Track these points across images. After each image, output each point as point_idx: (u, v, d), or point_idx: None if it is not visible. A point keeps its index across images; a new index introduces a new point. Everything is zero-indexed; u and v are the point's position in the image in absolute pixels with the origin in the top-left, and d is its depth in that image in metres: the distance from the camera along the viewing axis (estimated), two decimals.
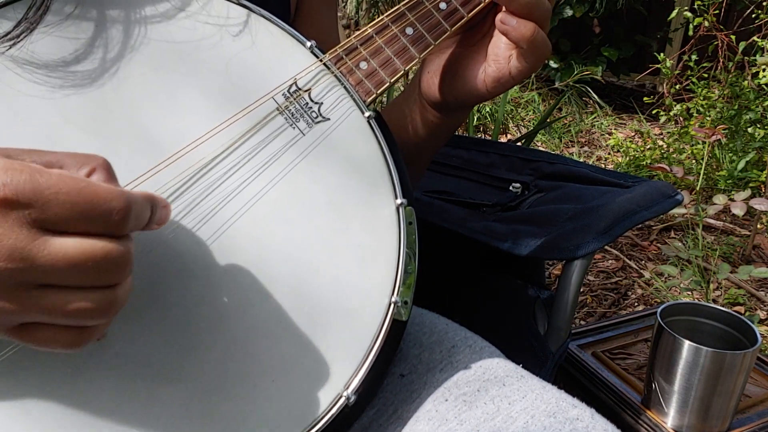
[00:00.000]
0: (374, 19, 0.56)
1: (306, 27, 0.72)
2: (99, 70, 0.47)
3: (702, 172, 1.89)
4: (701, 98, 2.67)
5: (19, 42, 0.45)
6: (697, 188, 1.98)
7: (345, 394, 0.45)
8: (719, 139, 2.33)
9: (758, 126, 2.49)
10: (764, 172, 2.26)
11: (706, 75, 2.75)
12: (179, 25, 0.50)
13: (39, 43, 0.45)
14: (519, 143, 2.01)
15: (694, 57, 2.70)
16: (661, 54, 2.84)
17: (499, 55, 0.57)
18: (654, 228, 2.18)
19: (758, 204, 1.48)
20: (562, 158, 0.99)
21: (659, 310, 0.87)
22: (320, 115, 0.51)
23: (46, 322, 0.35)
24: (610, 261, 2.00)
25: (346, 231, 0.49)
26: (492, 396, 0.52)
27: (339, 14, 3.73)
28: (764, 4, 2.60)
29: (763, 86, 2.48)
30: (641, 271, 1.93)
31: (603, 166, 2.83)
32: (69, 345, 0.36)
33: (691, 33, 2.71)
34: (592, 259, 0.88)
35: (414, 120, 0.67)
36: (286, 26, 0.52)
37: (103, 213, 0.34)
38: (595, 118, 3.44)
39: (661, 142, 2.75)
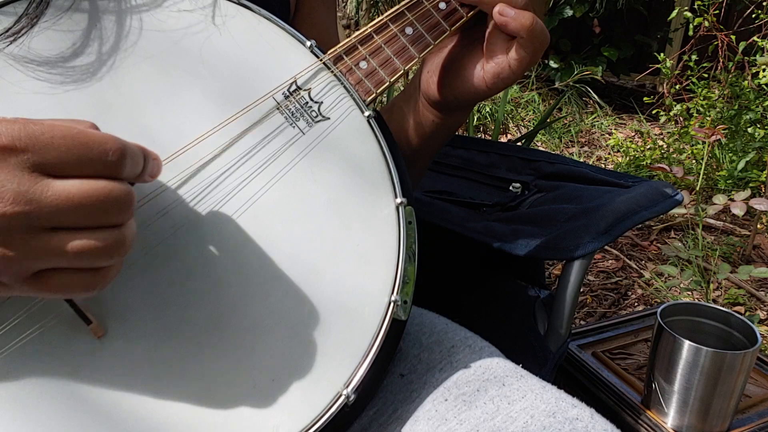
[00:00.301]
0: (374, 19, 0.56)
1: (306, 27, 0.72)
2: (97, 63, 0.47)
3: (702, 172, 1.89)
4: (701, 98, 2.67)
5: (20, 38, 0.45)
6: (697, 188, 1.97)
7: (345, 392, 0.45)
8: (719, 139, 2.34)
9: (758, 126, 2.49)
10: (764, 172, 2.26)
11: (706, 75, 2.75)
12: (171, 15, 0.50)
13: (36, 39, 0.46)
14: (519, 143, 2.01)
15: (694, 57, 2.70)
16: (661, 54, 2.84)
17: (497, 50, 0.57)
18: (654, 228, 2.18)
19: (758, 204, 1.48)
20: (562, 158, 0.99)
21: (659, 310, 0.87)
22: (320, 114, 0.51)
23: (59, 267, 0.36)
24: (610, 261, 2.00)
25: (345, 230, 0.49)
26: (492, 396, 0.52)
27: (339, 14, 3.73)
28: (764, 4, 2.60)
29: (763, 86, 2.48)
30: (641, 271, 1.93)
31: (603, 166, 2.84)
32: (85, 288, 0.37)
33: (691, 33, 2.71)
34: (592, 259, 0.88)
35: (414, 120, 0.67)
36: (286, 26, 0.52)
37: (99, 154, 0.35)
38: (595, 118, 3.44)
39: (661, 142, 2.75)
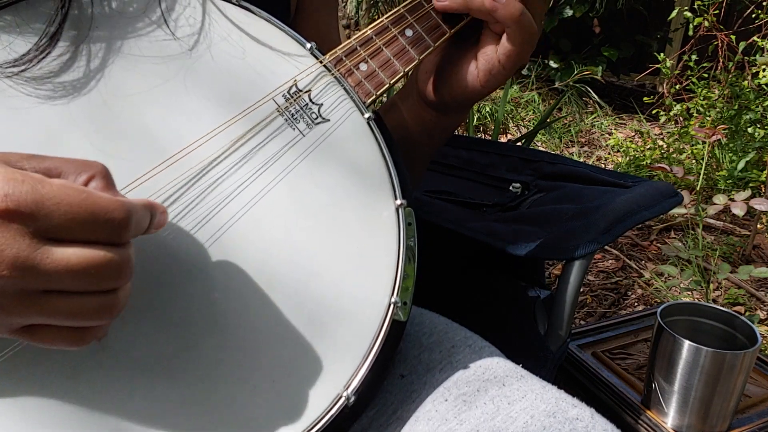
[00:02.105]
0: (374, 20, 0.56)
1: (306, 28, 0.72)
2: (85, 78, 0.47)
3: (702, 172, 1.89)
4: (701, 98, 2.67)
5: (30, 68, 0.45)
6: (697, 188, 1.97)
7: (345, 394, 0.45)
8: (719, 139, 2.33)
9: (758, 126, 2.49)
10: (764, 172, 2.26)
11: (706, 75, 2.75)
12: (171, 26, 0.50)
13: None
14: (519, 143, 2.01)
15: (694, 57, 2.70)
16: (661, 54, 2.84)
17: (487, 47, 0.58)
18: (654, 228, 2.18)
19: (758, 204, 1.48)
20: (562, 158, 0.99)
21: (659, 310, 0.87)
22: (320, 116, 0.51)
23: (49, 324, 0.36)
24: (610, 261, 2.00)
25: (345, 232, 0.49)
26: (492, 396, 0.52)
27: (339, 14, 3.73)
28: (764, 4, 2.60)
29: (763, 86, 2.48)
30: (641, 271, 1.93)
31: (603, 166, 2.83)
32: (72, 343, 0.37)
33: (691, 33, 2.71)
34: (592, 259, 0.88)
35: (411, 119, 0.67)
36: (286, 27, 0.52)
37: (104, 223, 0.35)
38: (595, 118, 3.44)
39: (661, 142, 2.75)
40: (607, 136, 3.23)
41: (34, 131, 0.44)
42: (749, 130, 2.50)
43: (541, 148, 2.95)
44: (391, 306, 0.48)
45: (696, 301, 1.60)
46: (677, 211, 1.60)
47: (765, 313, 1.71)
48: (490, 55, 0.58)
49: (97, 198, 0.35)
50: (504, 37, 0.57)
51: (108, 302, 0.36)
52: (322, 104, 0.52)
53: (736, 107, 2.55)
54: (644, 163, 2.61)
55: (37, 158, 0.37)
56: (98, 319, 0.36)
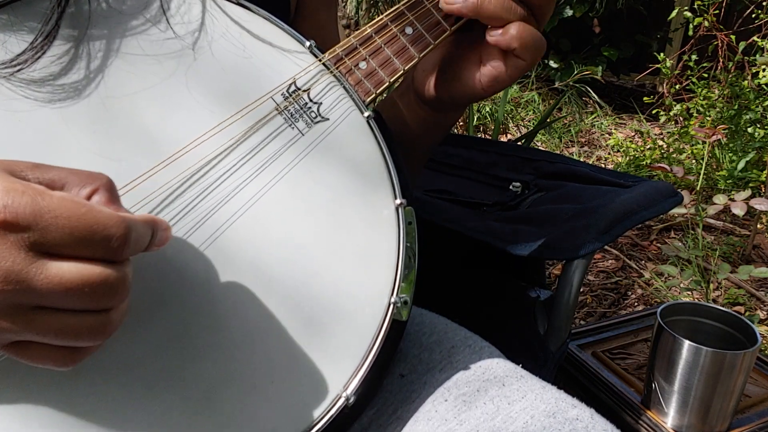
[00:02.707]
0: (374, 19, 0.55)
1: (306, 27, 0.72)
2: (89, 78, 0.46)
3: (702, 172, 1.89)
4: (701, 98, 2.66)
5: (25, 68, 0.45)
6: (697, 188, 1.97)
7: (344, 394, 0.45)
8: (719, 139, 2.33)
9: (758, 126, 2.49)
10: (764, 172, 2.26)
11: (706, 75, 2.75)
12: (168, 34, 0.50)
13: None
14: (519, 143, 2.01)
15: (694, 57, 2.70)
16: (661, 54, 2.84)
17: (494, 55, 0.57)
18: (654, 228, 2.18)
19: (758, 204, 1.48)
20: (563, 157, 0.99)
21: (659, 310, 0.87)
22: (319, 115, 0.51)
23: (39, 342, 0.35)
24: (610, 261, 2.00)
25: (345, 231, 0.49)
26: (491, 396, 0.52)
27: (339, 14, 3.73)
28: (764, 4, 2.60)
29: (763, 86, 2.48)
30: (641, 271, 1.93)
31: (603, 165, 2.83)
32: (60, 363, 0.36)
33: (691, 33, 2.71)
34: (592, 259, 0.88)
35: (408, 116, 0.67)
36: (286, 26, 0.52)
37: (102, 239, 0.34)
38: (595, 118, 3.44)
39: (661, 142, 2.75)
40: (607, 136, 3.23)
41: (35, 134, 0.44)
42: (749, 130, 2.50)
43: (541, 148, 2.95)
44: (391, 306, 0.48)
45: (696, 301, 1.60)
46: (677, 210, 1.60)
47: (765, 313, 1.71)
48: (497, 63, 0.57)
49: (96, 213, 0.34)
50: (511, 54, 0.56)
51: (101, 322, 0.35)
52: (321, 103, 0.51)
53: (736, 107, 2.55)
54: (644, 163, 2.60)
55: (42, 168, 0.36)
56: (90, 339, 0.35)
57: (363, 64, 0.53)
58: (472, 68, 0.59)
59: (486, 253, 0.91)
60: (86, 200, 0.36)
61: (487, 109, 2.96)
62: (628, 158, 2.73)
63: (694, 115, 2.68)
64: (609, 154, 2.99)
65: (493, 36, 0.55)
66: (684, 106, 2.72)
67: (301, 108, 0.51)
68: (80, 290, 0.34)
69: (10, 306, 0.33)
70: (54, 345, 0.35)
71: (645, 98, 2.92)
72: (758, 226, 1.99)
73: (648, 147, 2.72)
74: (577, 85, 3.39)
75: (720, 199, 1.51)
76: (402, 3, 0.56)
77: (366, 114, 0.52)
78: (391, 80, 0.54)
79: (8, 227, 0.32)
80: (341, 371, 0.46)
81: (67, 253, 0.34)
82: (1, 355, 0.40)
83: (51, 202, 0.33)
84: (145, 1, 0.49)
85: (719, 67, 2.72)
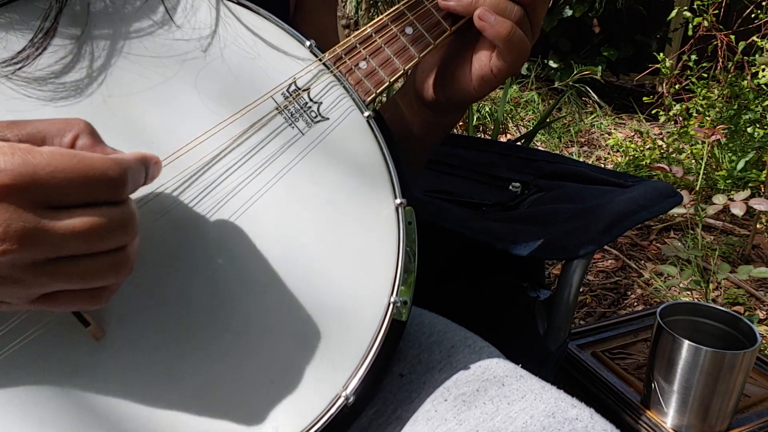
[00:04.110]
0: (374, 19, 0.55)
1: (306, 27, 0.72)
2: (88, 78, 0.46)
3: (701, 172, 1.89)
4: (701, 98, 2.66)
5: (25, 66, 0.45)
6: (697, 188, 1.97)
7: (344, 394, 0.45)
8: (719, 139, 2.33)
9: (758, 126, 2.49)
10: (764, 172, 2.26)
11: (705, 75, 2.75)
12: (171, 37, 0.50)
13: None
14: (519, 143, 2.01)
15: (693, 57, 2.70)
16: (661, 54, 2.84)
17: (481, 54, 0.58)
18: (654, 228, 2.18)
19: (758, 204, 1.48)
20: (562, 158, 0.99)
21: (659, 309, 0.87)
22: (319, 114, 0.51)
23: (66, 289, 0.36)
24: (609, 261, 2.00)
25: (345, 231, 0.49)
26: (491, 396, 0.52)
27: (339, 14, 3.73)
28: (764, 4, 2.60)
29: (763, 86, 2.48)
30: (641, 270, 1.93)
31: (603, 165, 2.83)
32: (90, 303, 0.38)
33: (690, 33, 2.71)
34: (592, 258, 0.88)
35: (409, 117, 0.67)
36: (286, 25, 0.52)
37: (100, 184, 0.35)
38: (594, 117, 3.44)
39: (660, 142, 2.75)
40: (606, 135, 3.23)
41: None
42: (749, 130, 2.50)
43: (540, 148, 2.95)
44: (391, 305, 0.48)
45: (695, 301, 1.60)
46: (677, 210, 1.60)
47: (764, 313, 1.71)
48: (483, 61, 0.58)
49: (89, 160, 0.35)
50: (495, 52, 0.57)
51: (119, 259, 0.37)
52: (321, 103, 0.51)
53: (735, 107, 2.55)
54: (644, 163, 2.61)
55: (18, 124, 0.37)
56: (113, 277, 0.37)
57: (363, 64, 0.53)
58: (466, 68, 0.59)
59: (486, 253, 0.91)
60: (72, 148, 0.37)
61: (487, 109, 2.96)
62: (627, 158, 2.73)
63: (694, 115, 2.68)
64: (608, 154, 2.99)
65: (483, 22, 0.55)
66: (683, 106, 2.72)
67: (301, 107, 0.51)
68: (92, 235, 0.35)
69: (29, 264, 0.34)
70: (81, 289, 0.37)
71: (644, 98, 2.92)
72: (758, 226, 1.99)
73: (647, 147, 2.72)
74: (576, 85, 3.39)
75: (719, 199, 1.51)
76: (402, 3, 0.56)
77: (366, 113, 0.52)
78: (391, 80, 0.54)
79: (7, 191, 0.33)
80: (341, 371, 0.46)
81: (71, 203, 0.35)
82: (8, 348, 0.40)
83: (43, 158, 0.34)
84: (149, 2, 0.49)
85: (719, 67, 2.72)
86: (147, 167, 0.39)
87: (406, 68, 0.55)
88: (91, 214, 0.35)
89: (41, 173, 0.33)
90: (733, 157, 2.42)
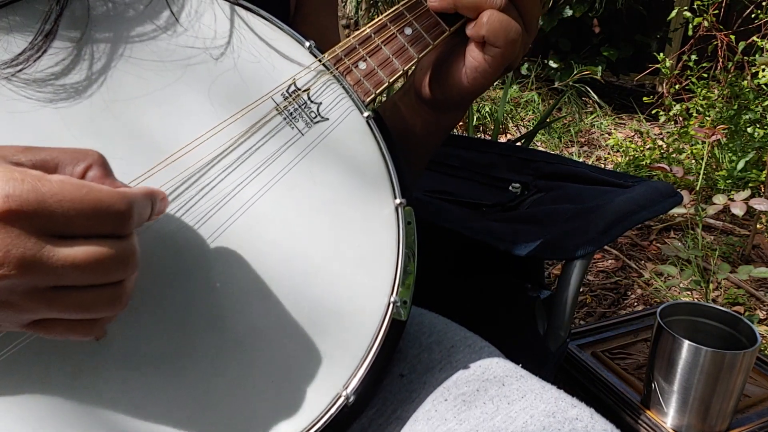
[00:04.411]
0: (374, 19, 0.55)
1: (305, 27, 0.72)
2: (87, 81, 0.46)
3: (702, 172, 1.89)
4: (701, 98, 2.66)
5: (26, 68, 0.45)
6: (697, 188, 1.97)
7: (344, 394, 0.45)
8: (719, 139, 2.33)
9: (758, 126, 2.49)
10: (764, 172, 2.26)
11: (705, 75, 2.75)
12: (172, 42, 0.50)
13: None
14: (519, 143, 2.01)
15: (693, 57, 2.70)
16: (661, 54, 2.84)
17: (473, 46, 0.58)
18: (654, 228, 2.18)
19: (758, 204, 1.48)
20: (562, 158, 0.99)
21: (659, 310, 0.87)
22: (319, 114, 0.51)
23: (61, 318, 0.36)
24: (609, 261, 2.00)
25: (345, 230, 0.49)
26: (491, 396, 0.52)
27: (339, 14, 3.73)
28: (764, 4, 2.60)
29: (763, 86, 2.48)
30: (641, 270, 1.93)
31: (603, 166, 2.83)
32: (83, 335, 0.38)
33: (690, 33, 2.71)
34: (592, 259, 0.88)
35: (409, 117, 0.67)
36: (285, 26, 0.52)
37: (106, 217, 0.35)
38: (594, 118, 3.44)
39: (660, 142, 2.75)
40: (606, 136, 3.23)
41: (35, 135, 0.44)
42: (749, 130, 2.50)
43: (540, 148, 2.95)
44: (391, 305, 0.48)
45: (695, 301, 1.60)
46: (677, 210, 1.60)
47: (764, 313, 1.71)
48: (476, 54, 0.58)
49: (98, 192, 0.35)
50: (485, 43, 0.57)
51: (116, 293, 0.37)
52: (321, 103, 0.51)
53: (735, 107, 2.55)
54: (644, 163, 2.61)
55: (33, 150, 0.37)
56: (108, 310, 0.37)
57: (362, 64, 0.53)
58: (459, 64, 0.59)
59: (486, 253, 0.91)
60: (82, 178, 0.37)
61: (487, 109, 2.96)
62: (627, 158, 2.73)
63: (694, 115, 2.68)
64: (608, 154, 2.99)
65: (469, 29, 0.56)
66: (683, 106, 2.72)
67: (301, 108, 0.51)
68: (92, 268, 0.35)
69: (28, 290, 0.34)
70: (75, 319, 0.37)
71: (645, 98, 2.92)
72: (758, 226, 1.99)
73: (647, 147, 2.72)
74: (576, 85, 3.39)
75: (719, 199, 1.51)
76: (401, 3, 0.56)
77: (365, 114, 0.52)
78: (391, 80, 0.54)
79: (14, 216, 0.33)
80: (341, 370, 0.46)
81: (75, 233, 0.35)
82: (9, 348, 0.40)
83: (52, 186, 0.34)
84: (152, 5, 0.49)
85: (719, 67, 2.72)
86: (153, 202, 0.40)
87: (405, 68, 0.55)
88: (94, 246, 0.35)
89: (49, 201, 0.33)
90: (733, 157, 2.42)
